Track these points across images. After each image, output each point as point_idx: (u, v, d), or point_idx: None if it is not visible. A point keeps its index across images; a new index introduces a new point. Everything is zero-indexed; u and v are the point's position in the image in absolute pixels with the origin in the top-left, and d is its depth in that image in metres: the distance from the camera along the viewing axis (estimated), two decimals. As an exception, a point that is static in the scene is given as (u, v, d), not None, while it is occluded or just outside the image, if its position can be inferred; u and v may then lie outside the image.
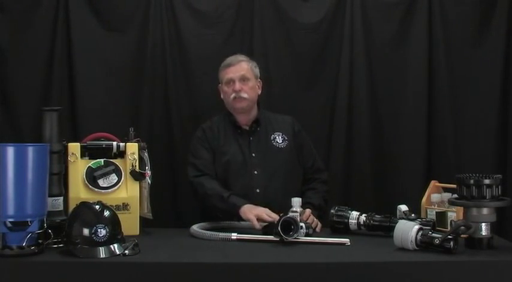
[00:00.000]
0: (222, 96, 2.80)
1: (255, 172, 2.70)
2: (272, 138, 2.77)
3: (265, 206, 2.54)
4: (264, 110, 2.89)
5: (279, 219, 2.19)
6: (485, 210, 2.11)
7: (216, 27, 3.25)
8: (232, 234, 2.25)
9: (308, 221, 2.42)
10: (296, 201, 2.42)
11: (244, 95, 2.70)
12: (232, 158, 2.71)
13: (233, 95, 2.71)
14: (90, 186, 2.36)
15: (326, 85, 3.28)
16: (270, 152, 2.74)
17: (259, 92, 2.82)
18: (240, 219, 2.48)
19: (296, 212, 2.37)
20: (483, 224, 2.10)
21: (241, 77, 2.71)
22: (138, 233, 2.35)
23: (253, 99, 2.76)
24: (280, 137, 2.78)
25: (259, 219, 2.40)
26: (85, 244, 1.99)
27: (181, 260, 1.99)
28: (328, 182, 2.91)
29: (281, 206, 2.55)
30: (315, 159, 2.86)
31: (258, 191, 2.67)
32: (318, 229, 2.45)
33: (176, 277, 1.91)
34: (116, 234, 2.06)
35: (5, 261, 1.95)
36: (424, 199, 2.46)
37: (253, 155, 2.73)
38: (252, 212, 2.43)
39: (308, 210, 2.50)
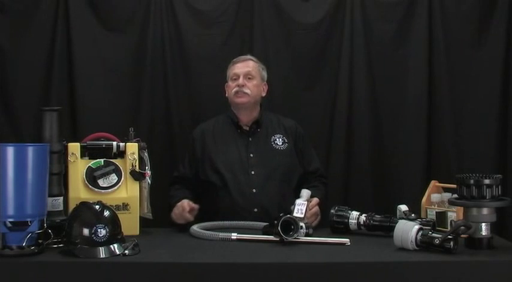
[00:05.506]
0: (227, 94, 2.81)
1: (252, 172, 2.70)
2: (272, 139, 2.78)
3: (261, 206, 2.62)
4: (268, 112, 2.90)
5: (279, 219, 2.19)
6: (485, 210, 2.10)
7: (216, 27, 3.25)
8: (232, 234, 2.25)
9: (313, 210, 2.45)
10: (305, 192, 2.43)
11: (247, 91, 2.71)
12: (230, 158, 2.72)
13: (235, 89, 2.72)
14: (90, 186, 2.36)
15: (326, 85, 3.28)
16: (269, 153, 2.74)
17: (264, 94, 2.83)
18: None
19: (305, 202, 2.36)
20: (483, 224, 2.10)
21: (246, 73, 2.74)
22: (138, 233, 2.35)
23: (256, 97, 2.77)
24: (280, 139, 2.78)
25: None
26: (85, 244, 1.99)
27: (181, 260, 1.99)
28: (328, 182, 2.91)
29: (278, 206, 2.59)
30: (318, 166, 2.87)
31: (254, 191, 2.67)
32: (316, 222, 2.46)
33: (176, 277, 1.91)
34: (116, 234, 2.05)
35: (5, 261, 1.95)
36: (424, 199, 2.46)
37: (251, 155, 2.73)
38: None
39: (316, 199, 2.52)
